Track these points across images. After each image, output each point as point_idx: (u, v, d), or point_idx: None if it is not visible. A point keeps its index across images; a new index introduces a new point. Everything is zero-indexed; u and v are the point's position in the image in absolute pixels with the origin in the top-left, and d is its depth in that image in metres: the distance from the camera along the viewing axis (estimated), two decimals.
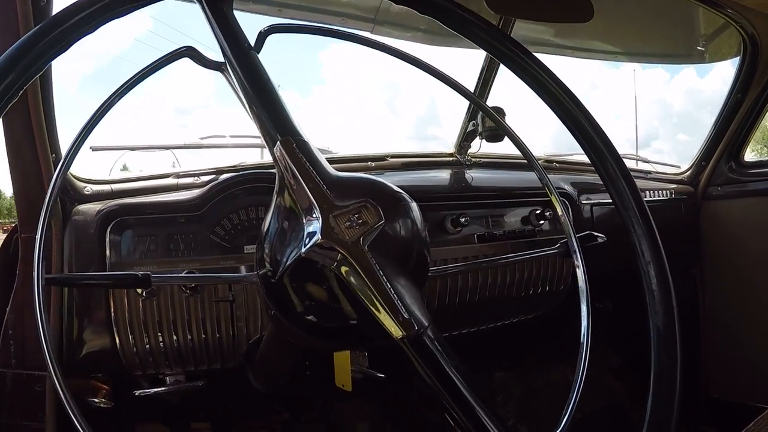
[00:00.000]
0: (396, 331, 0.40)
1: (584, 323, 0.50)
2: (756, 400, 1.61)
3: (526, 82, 0.53)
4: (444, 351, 0.43)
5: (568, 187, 1.29)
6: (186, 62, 0.50)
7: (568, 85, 0.53)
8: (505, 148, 1.37)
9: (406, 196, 0.47)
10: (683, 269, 1.77)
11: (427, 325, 0.43)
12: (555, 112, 0.54)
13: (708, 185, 1.71)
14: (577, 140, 0.54)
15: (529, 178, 1.24)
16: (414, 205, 0.47)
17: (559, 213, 0.58)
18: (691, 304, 1.78)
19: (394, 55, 0.56)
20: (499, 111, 1.15)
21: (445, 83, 0.57)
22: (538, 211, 1.18)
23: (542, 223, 1.18)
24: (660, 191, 1.59)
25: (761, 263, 1.62)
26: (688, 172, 1.76)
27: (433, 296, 1.04)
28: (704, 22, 1.61)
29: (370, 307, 0.40)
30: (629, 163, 1.72)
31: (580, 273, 0.53)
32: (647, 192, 1.57)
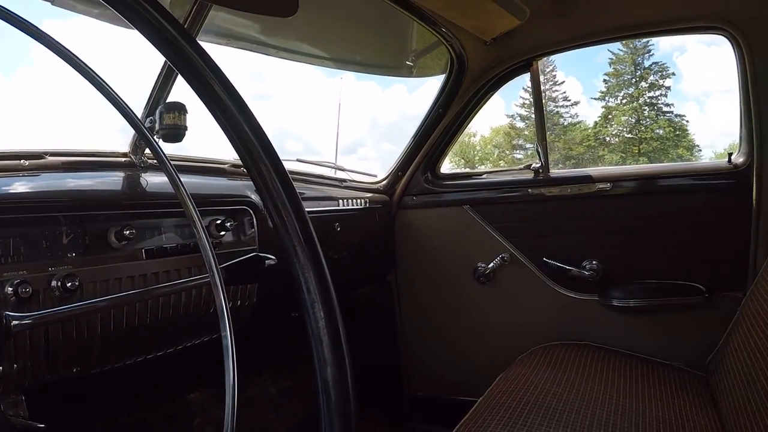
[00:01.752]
0: None
1: (227, 350, 0.46)
2: (455, 393, 1.76)
3: (180, 71, 0.41)
4: None
5: (254, 197, 1.17)
6: None
7: (232, 82, 0.41)
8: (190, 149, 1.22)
9: None
10: (380, 277, 1.82)
11: None
12: (211, 111, 0.41)
13: (404, 195, 1.80)
14: (232, 144, 0.41)
15: (214, 184, 1.15)
16: None
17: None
18: (388, 309, 1.84)
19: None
20: (180, 107, 1.02)
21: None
22: (219, 221, 1.06)
23: (223, 234, 1.08)
24: (355, 200, 1.60)
25: (454, 269, 1.75)
26: (385, 182, 1.81)
27: (107, 323, 0.91)
28: (416, 37, 1.67)
29: None
30: (326, 172, 1.71)
31: (219, 300, 0.48)
32: (341, 201, 1.55)
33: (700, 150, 17.33)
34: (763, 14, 1.40)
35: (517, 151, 18.70)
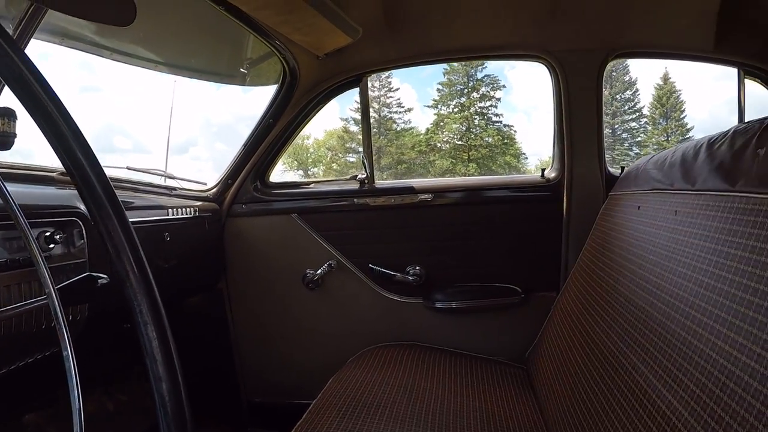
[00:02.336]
0: None
1: (70, 371, 0.48)
2: (291, 397, 1.81)
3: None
4: None
5: (83, 207, 1.06)
6: None
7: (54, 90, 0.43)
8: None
9: None
10: (210, 285, 1.81)
11: None
12: (40, 128, 0.44)
13: (233, 203, 1.79)
14: (60, 159, 0.45)
15: (42, 193, 1.07)
16: None
17: None
18: (221, 317, 1.84)
19: None
20: (8, 113, 0.91)
21: None
22: (47, 234, 0.99)
23: (53, 247, 1.01)
24: (185, 209, 1.56)
25: (284, 276, 1.79)
26: (214, 190, 1.79)
27: None
28: (251, 47, 1.68)
29: None
30: (155, 180, 1.64)
31: (60, 324, 0.48)
32: (170, 210, 1.49)
33: (527, 158, 18.86)
34: (575, 47, 1.60)
35: (350, 155, 18.93)
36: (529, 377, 1.48)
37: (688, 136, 16.71)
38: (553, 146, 1.72)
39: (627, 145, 17.44)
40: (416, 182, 1.75)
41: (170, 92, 2.26)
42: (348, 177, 1.81)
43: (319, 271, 1.73)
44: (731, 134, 0.85)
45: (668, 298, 0.85)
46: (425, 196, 1.70)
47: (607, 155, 1.66)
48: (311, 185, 1.85)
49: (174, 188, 1.66)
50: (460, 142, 18.69)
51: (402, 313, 1.74)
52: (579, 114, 1.64)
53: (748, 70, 1.74)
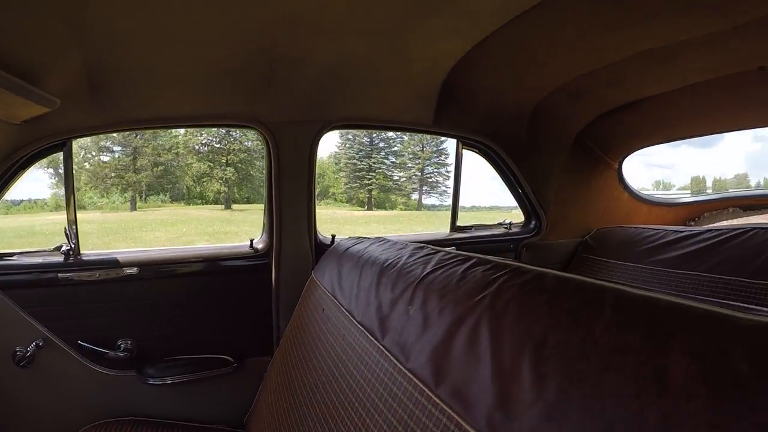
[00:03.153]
0: None
1: None
2: None
3: None
4: None
5: None
6: None
7: None
8: None
9: None
10: None
11: None
12: None
13: None
14: None
15: None
16: None
17: None
18: None
19: None
20: None
21: None
22: None
23: None
24: None
25: None
26: None
27: None
28: None
29: None
30: None
31: None
32: None
33: None
34: (289, 119, 1.61)
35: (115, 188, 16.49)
36: None
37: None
38: (264, 217, 1.78)
39: None
40: (122, 254, 1.69)
41: None
42: (52, 248, 1.65)
43: (29, 349, 1.55)
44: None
45: (333, 372, 0.97)
46: (131, 270, 1.66)
47: None
48: (14, 257, 1.63)
49: None
50: (218, 146, 17.99)
51: (118, 388, 1.68)
52: (291, 184, 1.68)
53: (465, 142, 2.06)
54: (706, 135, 2.36)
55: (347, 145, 20.49)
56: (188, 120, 1.67)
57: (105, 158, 16.59)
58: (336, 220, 16.65)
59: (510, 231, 2.39)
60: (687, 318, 0.49)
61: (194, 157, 17.82)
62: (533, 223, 2.41)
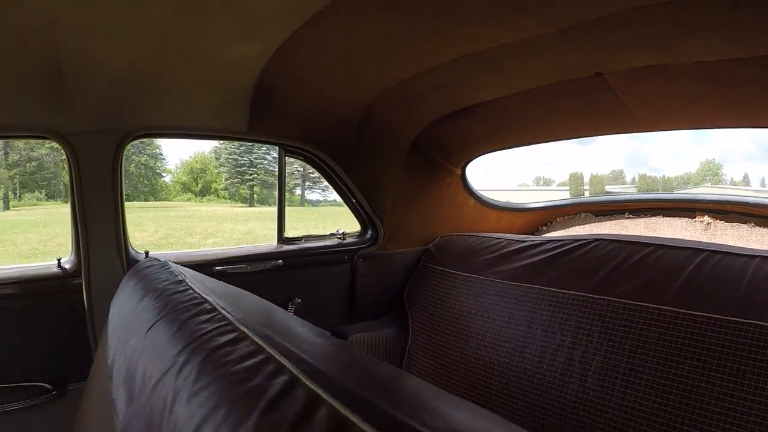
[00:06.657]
0: None
1: None
2: None
3: None
4: None
5: None
6: None
7: None
8: None
9: None
10: None
11: None
12: None
13: None
14: None
15: None
16: None
17: None
18: None
19: None
20: None
21: None
22: None
23: None
24: None
25: None
26: None
27: None
28: None
29: None
30: None
31: None
32: None
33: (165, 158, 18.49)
34: (87, 129, 1.49)
35: None
36: None
37: None
38: (72, 234, 1.64)
39: None
40: None
41: None
42: None
43: None
44: None
45: None
46: None
47: None
48: None
49: None
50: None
51: None
52: (95, 198, 1.56)
53: (288, 149, 1.97)
54: (547, 142, 2.39)
55: None
56: None
57: None
58: (215, 218, 15.80)
59: (344, 241, 2.26)
60: None
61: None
62: (369, 233, 2.32)
